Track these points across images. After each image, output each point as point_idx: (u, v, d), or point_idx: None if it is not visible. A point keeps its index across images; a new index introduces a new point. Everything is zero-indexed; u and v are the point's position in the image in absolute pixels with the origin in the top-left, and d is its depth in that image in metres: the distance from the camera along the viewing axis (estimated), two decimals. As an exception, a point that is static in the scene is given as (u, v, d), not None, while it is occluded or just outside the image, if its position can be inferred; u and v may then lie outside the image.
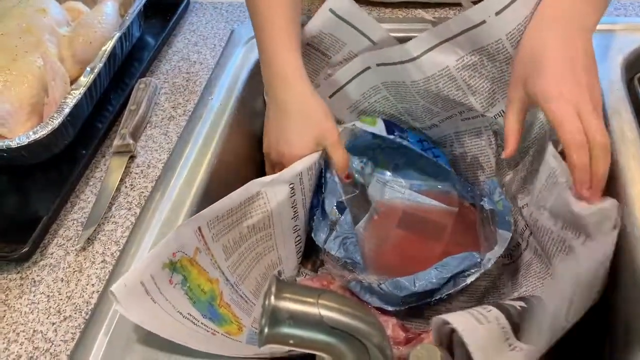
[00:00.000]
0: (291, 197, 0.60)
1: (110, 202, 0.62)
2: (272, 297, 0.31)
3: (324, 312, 0.31)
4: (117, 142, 0.68)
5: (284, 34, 0.62)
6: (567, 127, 0.47)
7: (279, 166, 0.62)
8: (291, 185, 0.59)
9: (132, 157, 0.67)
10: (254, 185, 0.57)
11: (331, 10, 0.66)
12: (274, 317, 0.30)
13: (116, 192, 0.63)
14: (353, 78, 0.68)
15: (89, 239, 0.59)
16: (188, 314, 0.51)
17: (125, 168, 0.65)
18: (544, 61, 0.51)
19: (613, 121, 0.62)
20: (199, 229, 0.52)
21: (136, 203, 0.62)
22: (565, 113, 0.48)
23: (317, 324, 0.31)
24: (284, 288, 0.31)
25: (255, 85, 0.76)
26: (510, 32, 0.57)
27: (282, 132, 0.62)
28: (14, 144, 0.62)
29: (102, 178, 0.65)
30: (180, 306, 0.51)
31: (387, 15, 0.82)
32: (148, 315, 0.48)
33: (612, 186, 0.58)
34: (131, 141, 0.67)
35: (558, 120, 0.48)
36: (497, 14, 0.56)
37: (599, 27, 0.73)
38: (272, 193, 0.58)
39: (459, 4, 0.80)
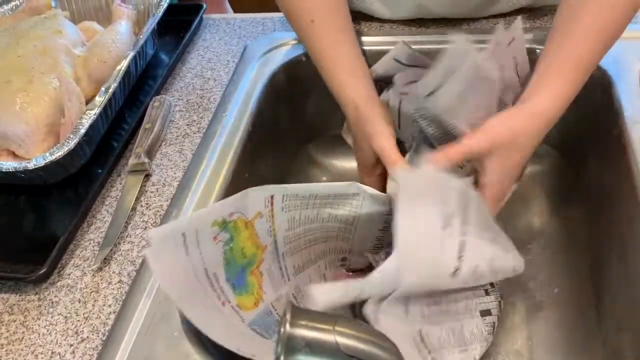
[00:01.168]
0: (387, 215, 0.59)
1: (126, 222, 0.62)
2: (288, 325, 0.30)
3: (341, 340, 0.30)
4: (132, 160, 0.68)
5: (347, 67, 0.64)
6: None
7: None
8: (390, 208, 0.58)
9: (148, 176, 0.67)
10: (355, 186, 0.55)
11: (395, 59, 0.68)
12: (290, 345, 0.30)
13: (132, 211, 0.63)
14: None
15: (105, 259, 0.59)
16: (213, 273, 0.50)
17: (141, 187, 0.66)
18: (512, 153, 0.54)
19: (633, 132, 0.61)
20: (272, 197, 0.51)
21: (152, 222, 0.62)
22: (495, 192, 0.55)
23: (333, 351, 0.30)
24: (299, 315, 0.31)
25: (269, 101, 0.76)
26: (446, 108, 0.56)
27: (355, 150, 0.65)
28: (30, 165, 0.62)
29: (117, 197, 0.65)
30: (210, 263, 0.49)
31: (399, 27, 0.82)
32: (170, 268, 0.46)
33: (633, 195, 0.57)
34: (146, 160, 0.68)
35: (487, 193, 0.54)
36: (426, 96, 0.56)
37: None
38: (368, 203, 0.57)
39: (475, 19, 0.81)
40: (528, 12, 0.82)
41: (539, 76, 0.56)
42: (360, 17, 0.85)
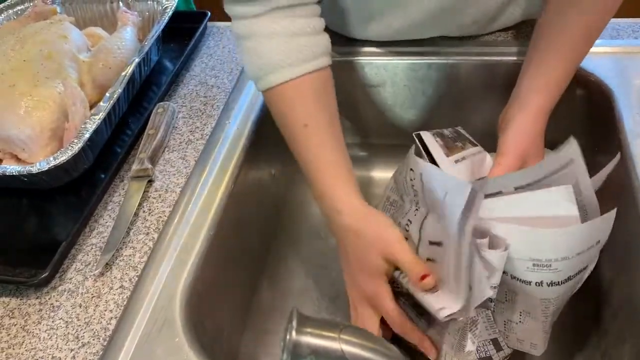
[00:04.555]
0: None
1: (128, 227, 0.62)
2: (294, 332, 0.30)
3: (346, 348, 0.30)
4: (135, 166, 0.68)
5: (333, 168, 0.60)
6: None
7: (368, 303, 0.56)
8: None
9: (150, 182, 0.68)
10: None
11: None
12: (296, 352, 0.30)
13: (134, 217, 0.64)
14: None
15: (107, 264, 0.59)
16: None
17: (144, 192, 0.66)
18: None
19: (633, 146, 0.61)
20: None
21: (154, 228, 0.62)
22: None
23: (338, 359, 0.30)
24: (305, 322, 0.31)
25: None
26: None
27: (348, 262, 0.58)
28: (34, 169, 0.62)
29: (120, 203, 0.66)
30: None
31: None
32: None
33: (634, 210, 0.57)
34: (149, 165, 0.68)
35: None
36: None
37: (616, 49, 0.73)
38: None
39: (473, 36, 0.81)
40: (524, 26, 0.82)
41: (526, 89, 0.62)
42: (350, 40, 0.84)
